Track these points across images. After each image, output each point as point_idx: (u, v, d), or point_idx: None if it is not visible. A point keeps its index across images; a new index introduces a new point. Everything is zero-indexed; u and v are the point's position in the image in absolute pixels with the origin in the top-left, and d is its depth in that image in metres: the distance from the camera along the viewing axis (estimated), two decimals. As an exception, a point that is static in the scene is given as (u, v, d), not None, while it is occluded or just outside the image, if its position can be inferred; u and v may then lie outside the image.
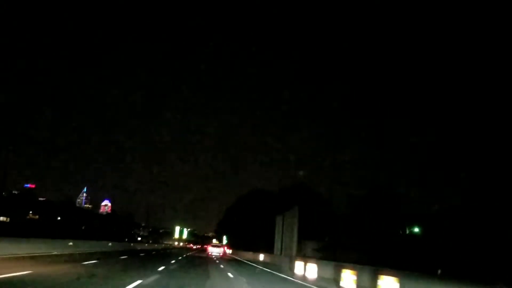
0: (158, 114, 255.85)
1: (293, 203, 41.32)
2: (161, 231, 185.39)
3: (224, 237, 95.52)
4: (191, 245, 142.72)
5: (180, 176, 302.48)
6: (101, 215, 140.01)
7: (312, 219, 35.76)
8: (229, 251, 71.65)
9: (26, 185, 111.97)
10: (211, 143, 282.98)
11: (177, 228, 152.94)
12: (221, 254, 48.75)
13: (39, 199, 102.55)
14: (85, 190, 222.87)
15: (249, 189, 77.37)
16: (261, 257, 39.72)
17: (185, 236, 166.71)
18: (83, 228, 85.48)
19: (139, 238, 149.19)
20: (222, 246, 60.86)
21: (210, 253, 48.40)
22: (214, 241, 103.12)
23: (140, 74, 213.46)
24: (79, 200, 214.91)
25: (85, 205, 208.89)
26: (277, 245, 39.09)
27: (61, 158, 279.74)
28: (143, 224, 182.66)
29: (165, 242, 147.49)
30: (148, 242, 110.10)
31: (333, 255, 26.40)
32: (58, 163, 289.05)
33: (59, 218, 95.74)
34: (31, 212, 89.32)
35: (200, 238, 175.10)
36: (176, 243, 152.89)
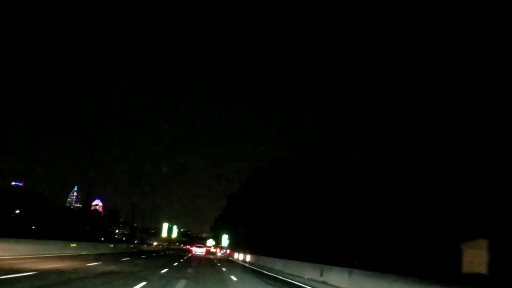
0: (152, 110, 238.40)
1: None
2: (153, 231, 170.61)
3: (225, 237, 75.56)
4: (188, 246, 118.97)
5: (172, 174, 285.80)
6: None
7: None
8: (245, 257, 45.02)
9: (14, 183, 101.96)
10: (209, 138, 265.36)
11: (165, 226, 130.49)
12: (203, 253, 55.18)
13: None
14: (75, 189, 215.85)
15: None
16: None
17: (174, 235, 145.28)
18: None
19: (124, 238, 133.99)
20: (204, 246, 67.68)
21: (194, 253, 55.89)
22: (210, 242, 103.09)
23: (137, 74, 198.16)
24: (69, 199, 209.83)
25: (76, 205, 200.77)
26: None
27: (53, 156, 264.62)
28: (134, 224, 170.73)
29: (155, 243, 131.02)
30: (133, 243, 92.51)
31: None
32: (50, 161, 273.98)
33: (18, 211, 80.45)
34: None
35: (193, 239, 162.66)
36: (165, 243, 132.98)
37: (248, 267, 29.52)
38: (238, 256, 49.24)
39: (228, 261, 40.75)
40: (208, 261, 36.54)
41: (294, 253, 27.24)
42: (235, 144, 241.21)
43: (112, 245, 40.77)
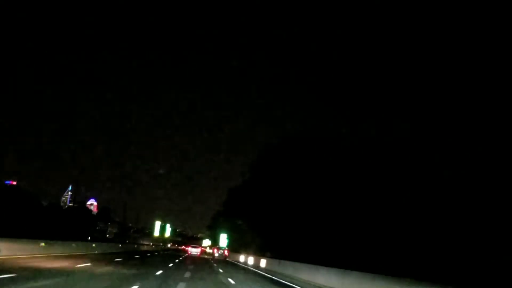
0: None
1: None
2: (147, 231, 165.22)
3: (223, 236, 68.93)
4: (183, 247, 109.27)
5: (171, 173, 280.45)
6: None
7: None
8: (258, 262, 34.63)
9: (7, 182, 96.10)
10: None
11: (157, 224, 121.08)
12: (198, 253, 59.94)
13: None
14: (70, 188, 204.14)
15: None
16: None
17: (168, 234, 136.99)
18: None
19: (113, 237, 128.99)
20: (200, 247, 71.92)
21: (190, 252, 60.89)
22: (206, 242, 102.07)
23: (135, 70, 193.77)
24: (63, 199, 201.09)
25: (70, 204, 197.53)
26: None
27: (48, 155, 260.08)
28: (129, 224, 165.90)
29: (150, 243, 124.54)
30: (124, 242, 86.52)
31: None
32: (46, 161, 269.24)
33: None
34: None
35: (188, 239, 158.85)
36: (159, 243, 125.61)
37: (272, 280, 19.99)
38: (246, 260, 39.58)
39: (231, 265, 33.24)
40: (207, 266, 29.87)
41: (325, 258, 20.17)
42: (235, 134, 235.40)
43: (43, 244, 25.08)
